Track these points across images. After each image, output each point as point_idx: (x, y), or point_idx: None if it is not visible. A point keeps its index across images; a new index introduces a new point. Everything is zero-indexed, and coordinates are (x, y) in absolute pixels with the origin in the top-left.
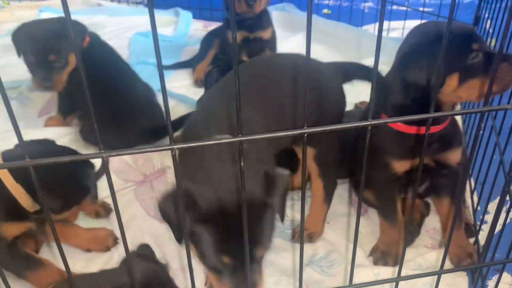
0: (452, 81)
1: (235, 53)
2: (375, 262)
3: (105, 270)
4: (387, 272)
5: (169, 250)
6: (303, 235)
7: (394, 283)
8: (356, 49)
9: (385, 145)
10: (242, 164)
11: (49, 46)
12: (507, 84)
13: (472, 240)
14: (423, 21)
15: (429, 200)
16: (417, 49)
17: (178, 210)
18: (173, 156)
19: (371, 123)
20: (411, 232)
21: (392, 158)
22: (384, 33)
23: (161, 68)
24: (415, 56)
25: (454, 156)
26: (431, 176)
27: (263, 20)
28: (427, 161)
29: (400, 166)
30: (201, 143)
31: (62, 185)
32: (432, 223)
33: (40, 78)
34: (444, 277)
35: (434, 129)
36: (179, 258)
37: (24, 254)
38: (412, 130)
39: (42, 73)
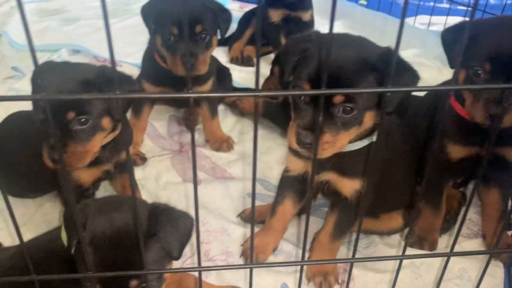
0: (460, 75)
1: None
2: (411, 246)
3: None
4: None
5: (205, 213)
6: (361, 223)
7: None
8: (393, 41)
9: (444, 126)
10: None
11: (198, 16)
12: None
13: (510, 233)
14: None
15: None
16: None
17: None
18: (256, 103)
19: (453, 87)
20: (448, 220)
21: (448, 141)
22: (423, 27)
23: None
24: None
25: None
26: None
27: (305, 0)
28: (485, 153)
29: (455, 151)
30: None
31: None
32: (469, 213)
33: (183, 54)
34: (482, 265)
35: None
36: (215, 219)
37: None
38: None
39: (185, 49)
